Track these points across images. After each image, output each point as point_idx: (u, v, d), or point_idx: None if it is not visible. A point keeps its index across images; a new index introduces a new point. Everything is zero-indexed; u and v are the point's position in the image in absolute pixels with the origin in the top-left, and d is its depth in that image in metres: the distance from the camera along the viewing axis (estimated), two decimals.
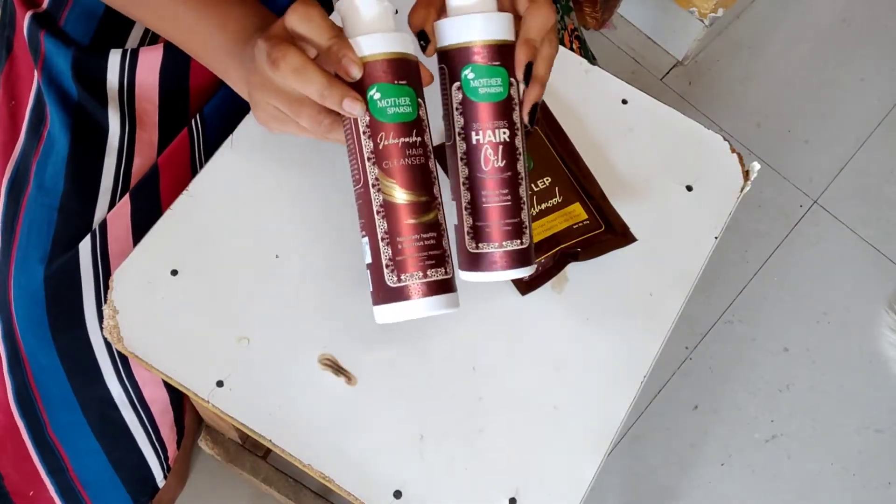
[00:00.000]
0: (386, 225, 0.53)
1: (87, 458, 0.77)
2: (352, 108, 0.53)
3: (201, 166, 0.76)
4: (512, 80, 0.57)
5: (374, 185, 0.53)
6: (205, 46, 0.65)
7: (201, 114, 0.77)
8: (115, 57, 0.76)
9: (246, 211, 0.68)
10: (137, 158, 0.76)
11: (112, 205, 0.74)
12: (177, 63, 0.76)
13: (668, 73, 1.55)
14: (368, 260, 0.55)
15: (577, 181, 0.71)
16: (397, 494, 0.61)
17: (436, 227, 0.54)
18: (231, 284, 0.66)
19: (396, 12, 0.79)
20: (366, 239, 0.55)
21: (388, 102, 0.52)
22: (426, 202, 0.54)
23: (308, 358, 0.64)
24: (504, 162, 0.56)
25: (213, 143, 0.76)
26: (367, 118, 0.53)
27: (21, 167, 0.77)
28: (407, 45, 0.54)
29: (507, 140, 0.56)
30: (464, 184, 0.57)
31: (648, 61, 1.55)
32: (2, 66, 0.82)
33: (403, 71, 0.53)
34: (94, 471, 0.78)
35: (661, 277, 0.70)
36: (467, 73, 0.55)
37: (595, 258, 0.68)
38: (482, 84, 0.55)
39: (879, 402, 1.34)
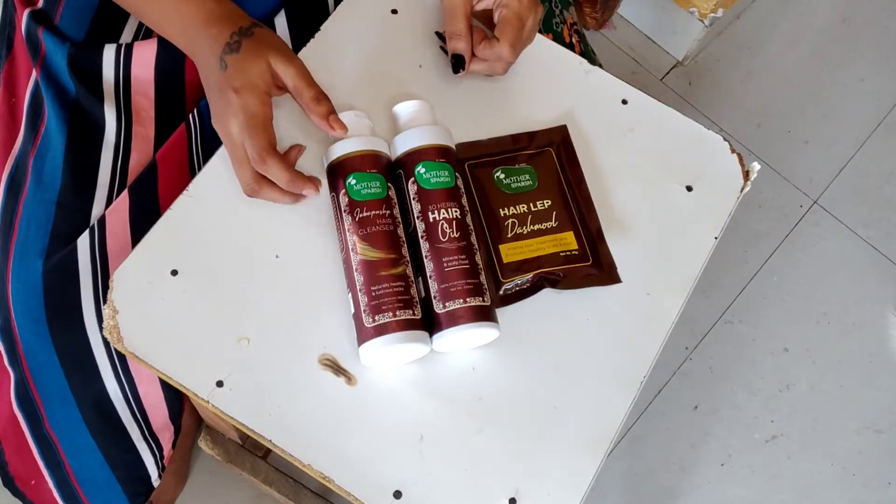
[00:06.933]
0: (362, 278, 0.63)
1: (83, 455, 0.77)
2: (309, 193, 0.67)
3: (199, 161, 0.76)
4: (457, 173, 0.66)
5: (353, 249, 0.64)
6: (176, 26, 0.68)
7: (198, 108, 0.77)
8: (109, 52, 0.76)
9: (246, 211, 0.68)
10: (134, 153, 0.76)
11: (110, 200, 0.74)
12: (172, 57, 0.76)
13: (668, 73, 1.55)
14: (353, 310, 0.63)
15: (578, 210, 0.70)
16: (397, 494, 0.61)
17: (403, 278, 0.63)
18: (231, 284, 0.66)
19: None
20: (350, 293, 0.64)
21: (361, 186, 0.65)
22: (394, 259, 0.63)
23: (308, 358, 0.64)
24: (458, 233, 0.64)
25: (210, 138, 0.76)
26: (347, 199, 0.65)
27: (20, 163, 0.77)
28: (378, 144, 0.67)
29: (459, 217, 0.65)
30: (426, 256, 0.64)
31: (648, 61, 1.55)
32: (2, 63, 0.82)
33: (374, 162, 0.66)
34: (90, 468, 0.78)
35: (661, 277, 0.70)
36: (419, 169, 0.66)
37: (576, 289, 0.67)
38: (433, 175, 0.66)
39: (879, 402, 1.34)
